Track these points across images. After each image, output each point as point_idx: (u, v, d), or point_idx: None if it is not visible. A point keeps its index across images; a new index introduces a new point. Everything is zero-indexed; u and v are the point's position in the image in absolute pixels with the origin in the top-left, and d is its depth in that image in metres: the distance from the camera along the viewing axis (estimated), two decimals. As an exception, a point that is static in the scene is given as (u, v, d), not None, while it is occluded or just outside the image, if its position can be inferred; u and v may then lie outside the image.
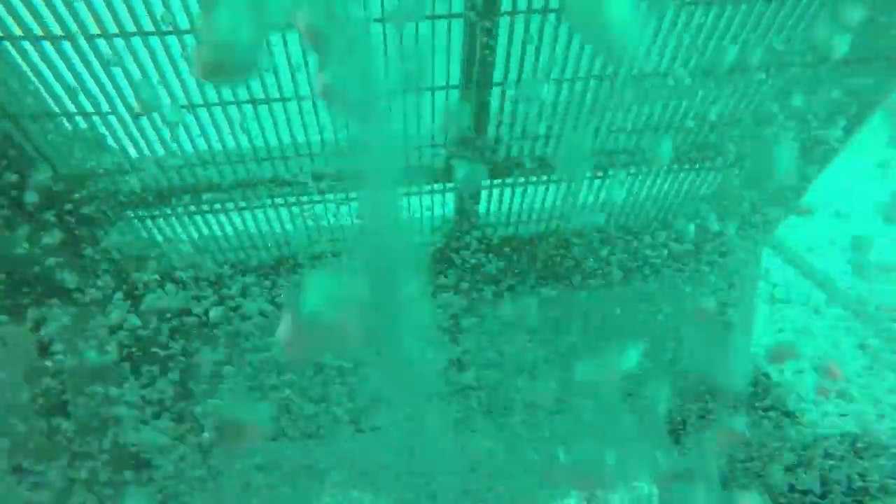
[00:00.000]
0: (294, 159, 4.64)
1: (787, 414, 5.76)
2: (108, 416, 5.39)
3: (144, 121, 4.28)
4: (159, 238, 5.04)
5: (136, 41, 3.72)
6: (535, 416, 5.87)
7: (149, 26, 3.66)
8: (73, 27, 3.57)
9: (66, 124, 4.17)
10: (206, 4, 3.14)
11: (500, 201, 5.20)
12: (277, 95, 4.12)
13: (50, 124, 4.16)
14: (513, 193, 5.14)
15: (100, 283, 5.25)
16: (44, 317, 5.46)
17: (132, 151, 4.45)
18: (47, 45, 3.63)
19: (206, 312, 5.23)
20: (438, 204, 5.08)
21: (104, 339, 5.48)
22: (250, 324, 5.25)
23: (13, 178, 4.32)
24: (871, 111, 4.80)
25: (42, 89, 3.87)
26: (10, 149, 4.13)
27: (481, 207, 5.12)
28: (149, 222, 4.90)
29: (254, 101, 4.18)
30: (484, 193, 5.06)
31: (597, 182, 5.15)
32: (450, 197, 5.14)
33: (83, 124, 4.17)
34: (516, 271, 5.50)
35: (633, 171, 5.05)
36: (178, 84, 4.04)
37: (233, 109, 4.24)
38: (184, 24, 3.66)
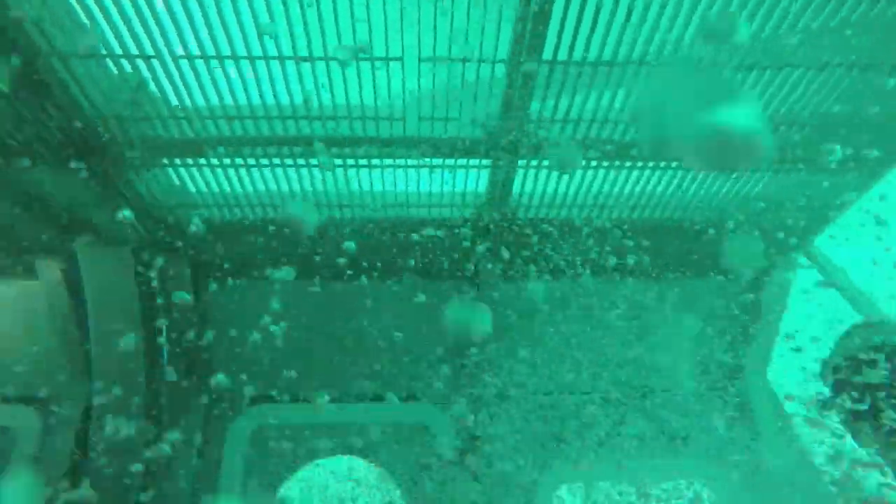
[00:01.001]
0: (331, 121, 4.60)
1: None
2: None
3: (187, 69, 4.27)
4: (192, 188, 5.06)
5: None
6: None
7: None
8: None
9: (112, 66, 4.18)
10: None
11: (535, 182, 5.07)
12: (322, 55, 4.05)
13: (96, 66, 4.18)
14: (548, 176, 5.02)
15: (132, 225, 5.33)
16: (76, 256, 5.59)
17: (173, 99, 4.46)
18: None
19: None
20: (472, 179, 4.99)
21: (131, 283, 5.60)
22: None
23: (58, 118, 4.37)
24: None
25: (91, 29, 3.86)
26: (58, 89, 4.16)
27: (515, 187, 5.00)
28: (182, 170, 4.92)
29: (298, 59, 4.13)
30: (520, 173, 4.94)
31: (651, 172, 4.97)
32: (484, 174, 5.05)
33: (128, 68, 4.16)
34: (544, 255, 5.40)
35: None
36: (222, 34, 4.01)
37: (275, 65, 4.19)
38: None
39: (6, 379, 6.20)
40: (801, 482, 5.79)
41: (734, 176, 4.94)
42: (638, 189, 5.20)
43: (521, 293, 5.64)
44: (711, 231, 5.49)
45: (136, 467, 5.60)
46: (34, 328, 6.01)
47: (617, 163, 4.84)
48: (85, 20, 3.79)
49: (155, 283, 5.60)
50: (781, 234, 5.59)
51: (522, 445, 5.76)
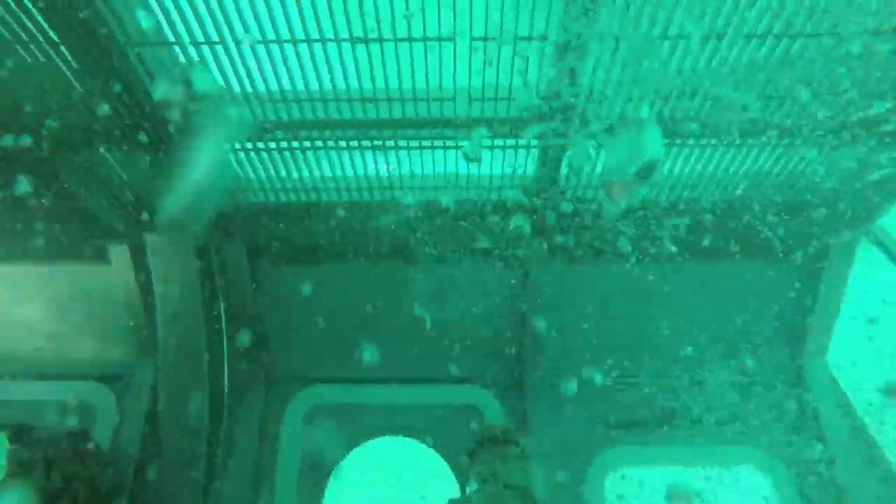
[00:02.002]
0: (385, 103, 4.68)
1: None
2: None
3: (248, 54, 4.44)
4: (250, 172, 5.26)
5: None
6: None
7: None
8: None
9: (179, 52, 4.38)
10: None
11: (588, 161, 5.02)
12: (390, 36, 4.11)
13: (164, 51, 4.40)
14: (599, 154, 4.96)
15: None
16: (143, 239, 5.89)
17: (233, 84, 4.64)
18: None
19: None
20: (522, 160, 5.00)
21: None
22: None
23: (128, 106, 4.63)
24: None
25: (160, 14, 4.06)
26: (128, 76, 4.40)
27: (564, 168, 4.99)
28: (241, 155, 5.11)
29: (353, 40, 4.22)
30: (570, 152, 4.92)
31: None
32: (533, 154, 5.05)
33: (194, 53, 4.36)
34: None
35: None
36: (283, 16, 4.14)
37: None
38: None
39: (83, 357, 6.61)
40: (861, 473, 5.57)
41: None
42: (698, 168, 5.09)
43: (572, 275, 5.62)
44: (773, 210, 5.33)
45: (201, 446, 5.85)
46: (107, 309, 6.38)
47: (678, 141, 4.75)
48: (154, 5, 3.99)
49: (215, 266, 5.86)
50: (846, 212, 5.39)
51: (574, 429, 5.73)
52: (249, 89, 4.65)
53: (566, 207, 5.10)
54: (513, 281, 5.70)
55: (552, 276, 5.47)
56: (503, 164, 4.93)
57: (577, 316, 5.61)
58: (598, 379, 5.70)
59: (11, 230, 6.07)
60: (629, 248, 5.24)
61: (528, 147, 4.96)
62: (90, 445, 5.06)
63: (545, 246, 5.37)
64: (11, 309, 6.74)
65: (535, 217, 5.14)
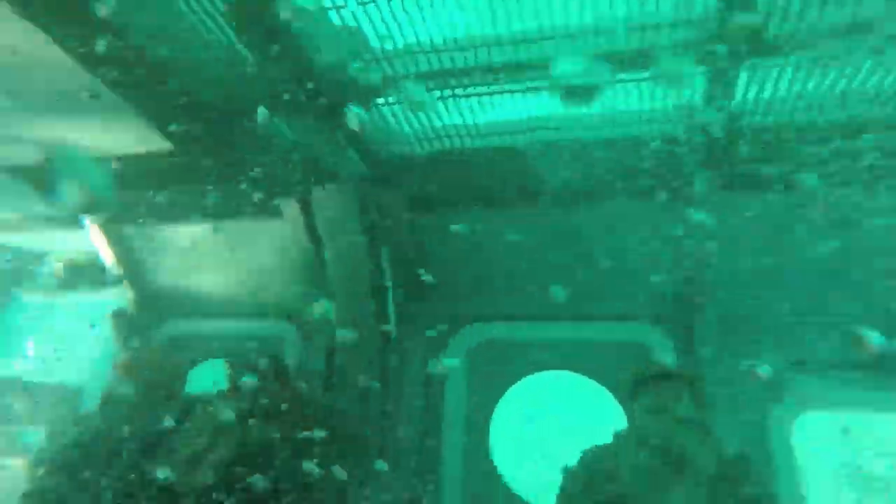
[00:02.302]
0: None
1: None
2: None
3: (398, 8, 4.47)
4: (405, 124, 5.42)
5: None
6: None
7: None
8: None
9: (335, 16, 4.53)
10: None
11: (764, 85, 4.49)
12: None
13: (321, 16, 4.57)
14: (780, 75, 4.41)
15: (355, 163, 5.92)
16: (310, 193, 6.41)
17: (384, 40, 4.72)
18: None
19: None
20: (687, 89, 4.60)
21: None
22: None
23: (294, 70, 4.92)
24: None
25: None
26: (292, 41, 4.65)
27: (738, 93, 4.51)
28: (397, 108, 5.26)
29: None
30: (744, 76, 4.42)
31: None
32: (700, 82, 4.62)
33: (349, 19, 4.47)
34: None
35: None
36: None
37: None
38: None
39: (269, 299, 7.56)
40: None
41: None
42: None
43: (746, 207, 5.20)
44: None
45: (374, 378, 6.48)
46: (284, 259, 7.18)
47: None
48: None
49: (374, 214, 6.27)
50: None
51: (748, 370, 5.48)
52: (401, 44, 4.72)
53: (741, 136, 4.66)
54: (682, 216, 5.42)
55: (725, 210, 5.11)
56: (667, 97, 4.58)
57: (751, 249, 5.23)
58: (775, 316, 5.36)
59: (202, 196, 6.94)
60: (814, 175, 4.71)
61: (693, 75, 4.55)
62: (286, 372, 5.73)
63: (716, 178, 5.00)
64: (207, 262, 7.83)
65: (704, 148, 4.77)
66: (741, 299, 5.47)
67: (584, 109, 4.76)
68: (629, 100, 4.60)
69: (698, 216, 5.00)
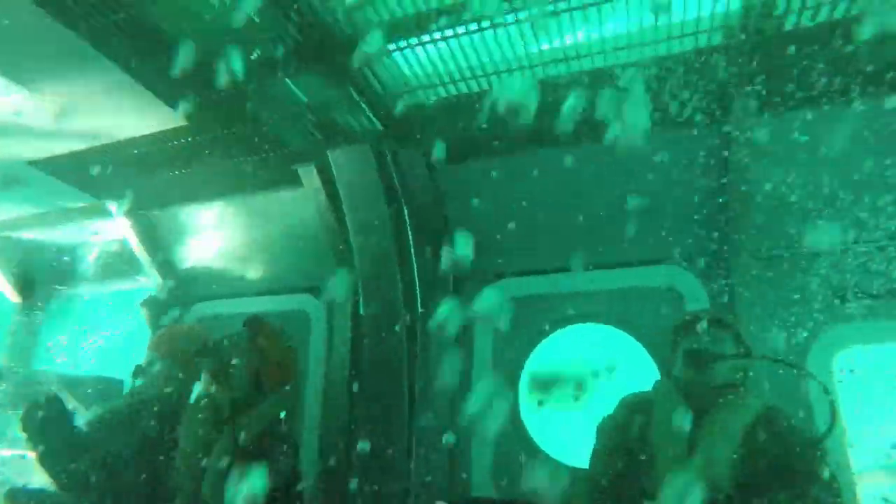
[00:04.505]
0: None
1: None
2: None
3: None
4: (418, 70, 5.19)
5: None
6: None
7: None
8: None
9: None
10: None
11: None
12: None
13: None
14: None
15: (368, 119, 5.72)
16: (326, 156, 6.24)
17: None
18: None
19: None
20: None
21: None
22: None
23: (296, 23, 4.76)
24: None
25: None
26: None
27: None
28: (408, 53, 5.03)
29: None
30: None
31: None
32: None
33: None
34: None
35: None
36: None
37: None
38: None
39: (292, 273, 7.44)
40: None
41: None
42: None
43: (785, 130, 4.77)
44: None
45: (401, 345, 6.25)
46: (306, 229, 7.04)
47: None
48: None
49: (392, 170, 6.06)
50: None
51: (789, 306, 5.06)
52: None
53: (784, 44, 4.25)
54: (715, 145, 5.03)
55: (762, 134, 4.69)
56: (697, 5, 4.21)
57: (789, 174, 4.79)
58: (818, 246, 4.91)
59: (221, 172, 6.87)
60: (867, 86, 4.25)
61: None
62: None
63: (753, 98, 4.59)
64: (228, 238, 7.78)
65: (742, 61, 4.37)
66: (781, 230, 5.02)
67: (600, 33, 4.43)
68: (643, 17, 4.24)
69: (737, 142, 4.61)
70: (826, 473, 3.22)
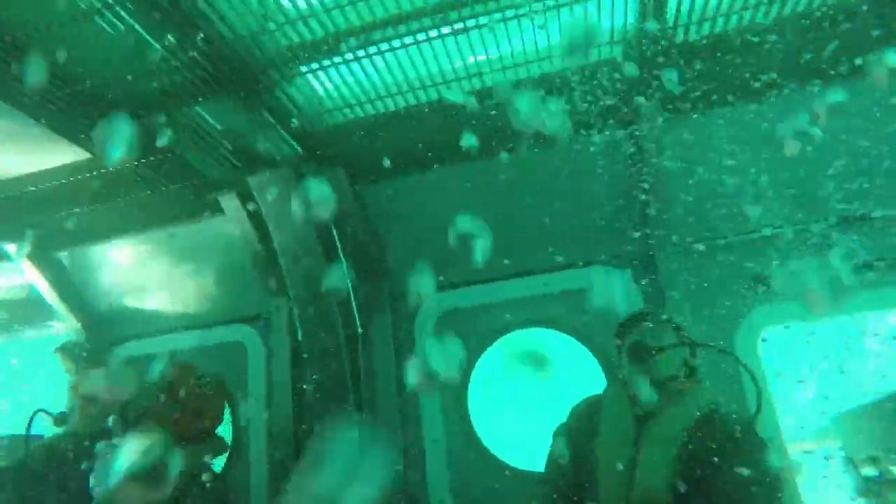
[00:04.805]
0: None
1: None
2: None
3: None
4: (332, 91, 5.09)
5: None
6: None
7: None
8: None
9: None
10: None
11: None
12: None
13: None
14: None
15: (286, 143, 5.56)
16: (246, 183, 6.00)
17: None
18: None
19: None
20: (620, 9, 4.37)
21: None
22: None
23: (205, 52, 4.53)
24: None
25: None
26: (201, 21, 4.28)
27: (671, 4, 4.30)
28: (320, 74, 4.93)
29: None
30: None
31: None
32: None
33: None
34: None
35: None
36: None
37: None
38: None
39: (224, 304, 7.14)
40: None
41: None
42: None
43: (688, 129, 5.03)
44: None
45: (343, 371, 6.12)
46: (233, 258, 6.78)
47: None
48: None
49: (318, 195, 5.91)
50: None
51: (718, 290, 5.34)
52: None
53: (681, 51, 4.46)
54: (626, 148, 5.22)
55: (669, 134, 4.92)
56: (600, 18, 4.34)
57: (702, 170, 5.06)
58: (737, 234, 5.21)
59: (134, 206, 6.50)
60: (770, 82, 4.53)
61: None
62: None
63: (656, 101, 4.80)
64: (150, 274, 7.37)
65: (642, 70, 4.56)
66: (700, 221, 5.29)
67: (509, 49, 4.50)
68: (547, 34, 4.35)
69: (646, 143, 4.82)
70: (765, 467, 3.32)
